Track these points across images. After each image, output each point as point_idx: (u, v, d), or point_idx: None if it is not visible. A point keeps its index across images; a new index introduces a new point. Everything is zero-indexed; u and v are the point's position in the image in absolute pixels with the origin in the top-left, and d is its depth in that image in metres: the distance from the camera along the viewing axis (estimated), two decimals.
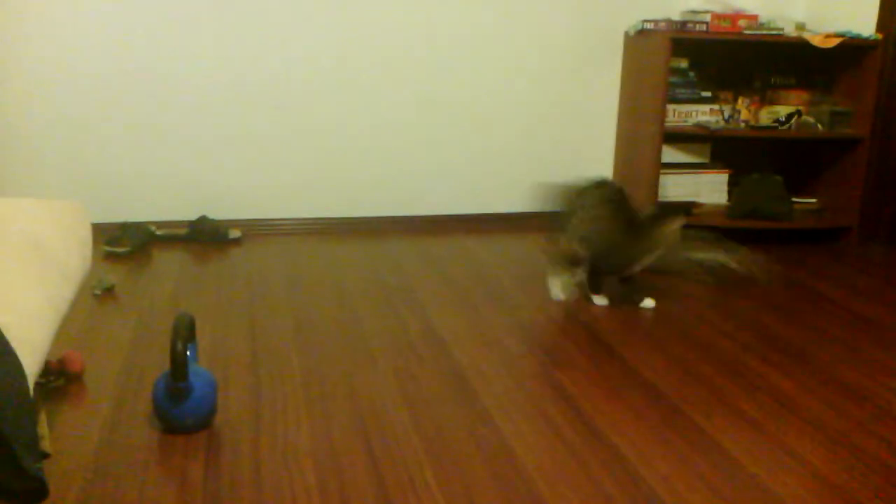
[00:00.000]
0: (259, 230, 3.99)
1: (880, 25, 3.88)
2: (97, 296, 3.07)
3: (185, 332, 2.02)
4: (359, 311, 2.98)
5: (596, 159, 4.28)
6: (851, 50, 3.92)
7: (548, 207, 3.15)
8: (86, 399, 2.27)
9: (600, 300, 3.13)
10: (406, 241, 3.90)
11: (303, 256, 3.64)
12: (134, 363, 2.50)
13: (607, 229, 3.01)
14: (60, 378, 2.35)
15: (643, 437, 2.14)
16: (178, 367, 2.00)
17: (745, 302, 3.19)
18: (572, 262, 3.10)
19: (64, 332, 2.71)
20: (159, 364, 2.48)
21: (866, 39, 3.84)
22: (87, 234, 2.01)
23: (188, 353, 2.06)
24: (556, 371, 2.52)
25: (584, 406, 2.30)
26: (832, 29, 3.94)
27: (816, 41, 3.82)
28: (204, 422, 2.10)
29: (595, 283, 3.13)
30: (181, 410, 2.05)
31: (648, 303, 3.12)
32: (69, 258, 1.80)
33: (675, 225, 3.03)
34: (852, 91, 4.00)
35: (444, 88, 4.03)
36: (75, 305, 2.96)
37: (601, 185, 3.06)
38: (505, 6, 4.00)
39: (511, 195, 4.23)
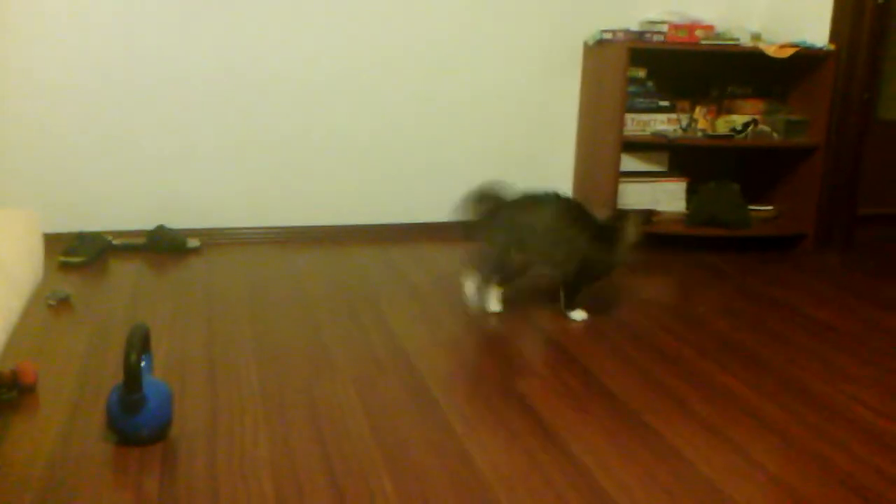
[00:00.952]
0: (218, 239, 3.96)
1: (833, 35, 3.95)
2: (52, 306, 3.02)
3: (139, 342, 2.00)
4: (319, 321, 2.96)
5: (556, 167, 4.30)
6: (806, 60, 3.99)
7: (474, 215, 3.06)
8: (39, 411, 2.23)
9: (580, 315, 3.06)
10: (368, 250, 3.89)
11: (262, 266, 3.61)
12: (88, 374, 2.46)
13: (580, 241, 2.95)
14: (13, 390, 2.30)
15: (603, 444, 2.14)
16: (132, 378, 1.98)
17: (702, 307, 3.22)
18: (506, 271, 3.06)
19: (17, 343, 2.66)
20: (114, 375, 2.44)
21: (820, 49, 3.91)
22: (38, 244, 1.98)
23: (143, 364, 2.03)
24: (515, 379, 2.52)
25: (544, 414, 2.30)
26: (787, 39, 4.00)
27: (771, 51, 3.88)
28: (159, 433, 2.08)
29: (572, 298, 3.06)
30: (135, 422, 2.02)
31: (579, 315, 3.06)
32: (19, 268, 1.77)
33: (634, 224, 2.99)
34: (807, 100, 4.07)
35: (404, 101, 4.03)
36: (29, 316, 2.91)
37: (548, 199, 2.97)
38: (464, 17, 4.02)
39: None
